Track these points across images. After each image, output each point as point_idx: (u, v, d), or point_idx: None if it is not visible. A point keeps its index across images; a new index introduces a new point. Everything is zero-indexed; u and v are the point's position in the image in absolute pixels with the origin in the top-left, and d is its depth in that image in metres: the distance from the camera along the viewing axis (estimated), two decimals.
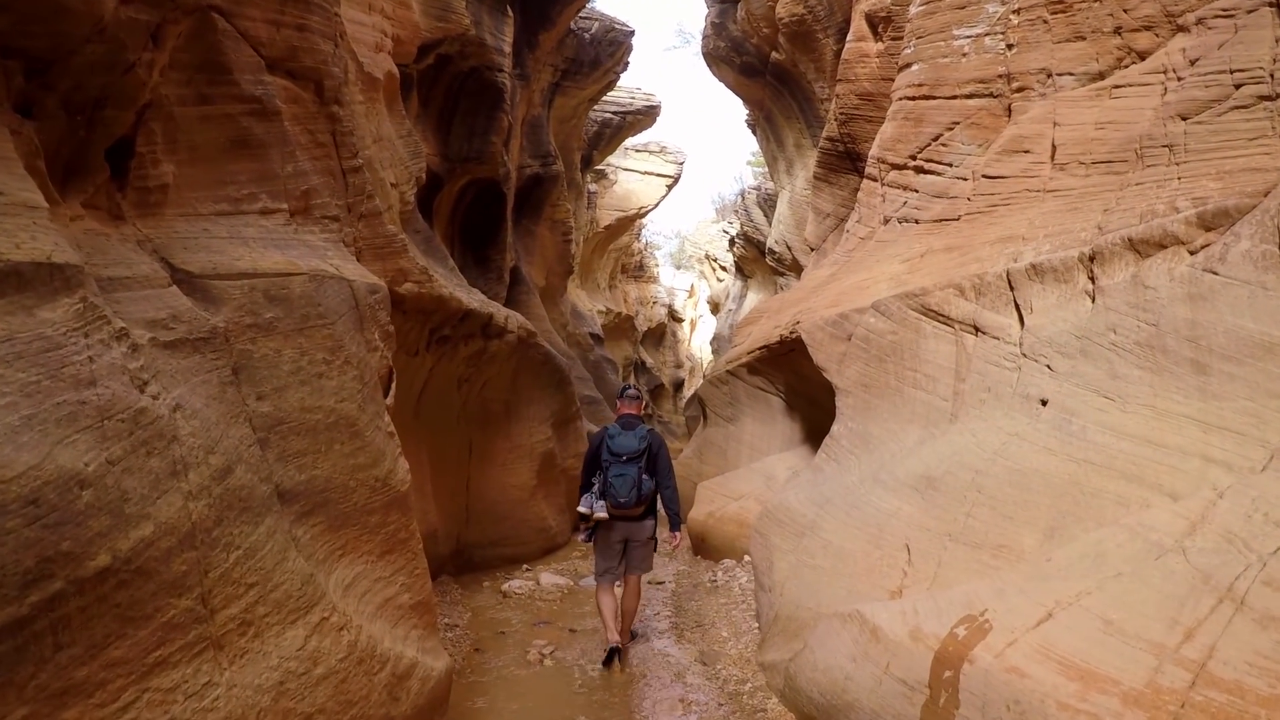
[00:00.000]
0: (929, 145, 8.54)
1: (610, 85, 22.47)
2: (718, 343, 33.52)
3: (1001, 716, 3.44)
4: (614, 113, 25.92)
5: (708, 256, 43.29)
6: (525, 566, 10.60)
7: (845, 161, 12.62)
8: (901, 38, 9.55)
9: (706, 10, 20.89)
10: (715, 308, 41.21)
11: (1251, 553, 3.42)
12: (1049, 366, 5.32)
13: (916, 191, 8.48)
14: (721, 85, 21.60)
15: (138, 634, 2.66)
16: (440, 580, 9.24)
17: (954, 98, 8.38)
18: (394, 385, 5.45)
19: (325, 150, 5.83)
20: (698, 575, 9.94)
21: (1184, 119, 5.66)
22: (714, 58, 20.47)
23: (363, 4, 8.34)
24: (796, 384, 10.56)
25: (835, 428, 7.25)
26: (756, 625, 7.33)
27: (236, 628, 3.09)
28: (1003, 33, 8.04)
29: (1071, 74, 7.30)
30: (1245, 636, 3.14)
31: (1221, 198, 4.92)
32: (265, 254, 4.30)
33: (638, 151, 32.64)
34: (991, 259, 6.37)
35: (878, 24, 11.01)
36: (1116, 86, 6.70)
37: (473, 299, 9.19)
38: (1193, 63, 5.92)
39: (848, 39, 11.71)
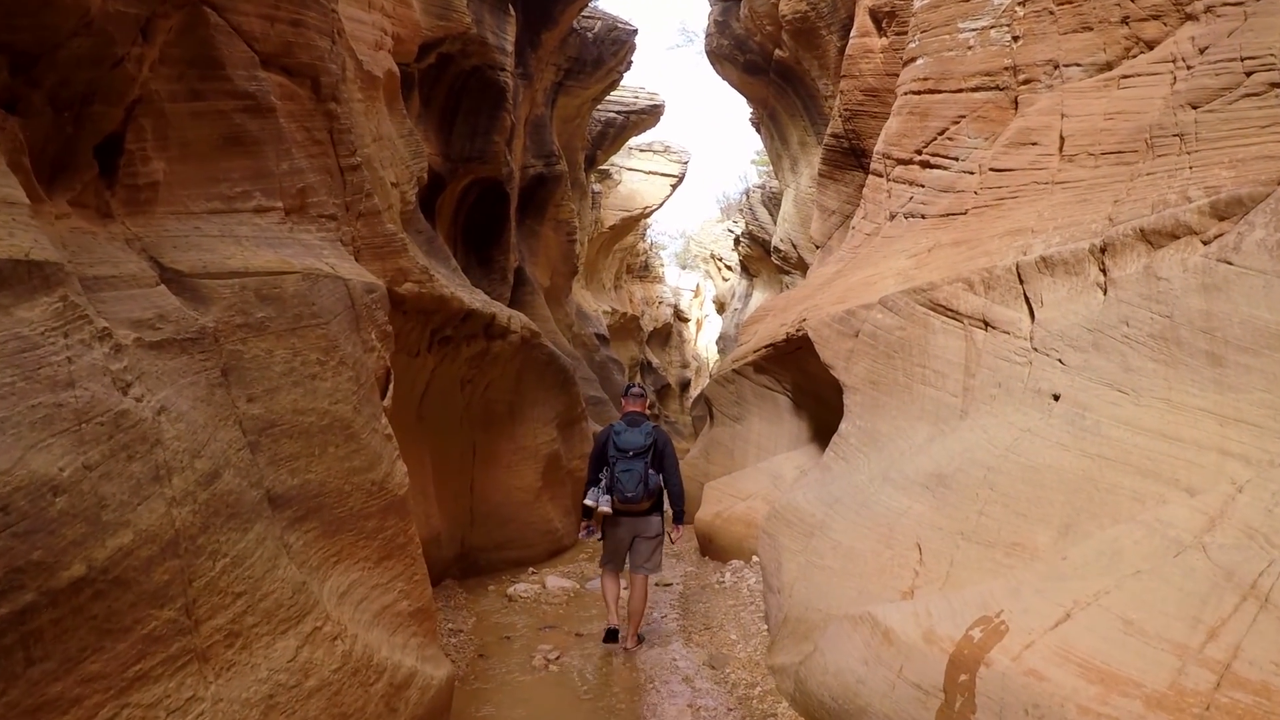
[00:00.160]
0: (935, 140, 8.44)
1: (613, 84, 22.39)
2: (724, 342, 33.43)
3: None
4: (617, 112, 25.84)
5: (713, 256, 43.17)
6: (531, 569, 10.51)
7: (850, 158, 12.54)
8: (906, 32, 9.46)
9: (709, 8, 20.80)
10: (721, 307, 41.11)
11: (1274, 548, 3.31)
12: (1061, 360, 5.21)
13: (923, 186, 8.38)
14: (725, 84, 21.49)
15: (116, 647, 2.54)
16: (444, 584, 9.15)
17: (960, 91, 8.28)
18: (392, 386, 5.34)
19: (322, 148, 5.74)
20: (705, 576, 9.84)
21: (1195, 107, 5.55)
22: (717, 56, 20.39)
23: (362, 2, 8.26)
24: (803, 382, 10.46)
25: (843, 426, 7.14)
26: (765, 627, 7.23)
27: (223, 639, 2.96)
28: (1008, 25, 7.95)
29: (1079, 65, 7.20)
30: (1271, 635, 3.03)
31: (1235, 186, 4.81)
32: (258, 252, 4.20)
33: (642, 151, 32.55)
34: (1000, 252, 6.26)
35: (882, 19, 10.92)
36: (1125, 77, 6.60)
37: (475, 299, 9.10)
38: (1202, 51, 5.82)
39: (851, 34, 11.63)
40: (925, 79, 8.56)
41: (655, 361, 36.97)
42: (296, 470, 3.85)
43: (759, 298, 28.40)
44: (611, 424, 7.59)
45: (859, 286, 8.00)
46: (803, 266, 18.20)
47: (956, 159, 8.12)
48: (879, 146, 9.26)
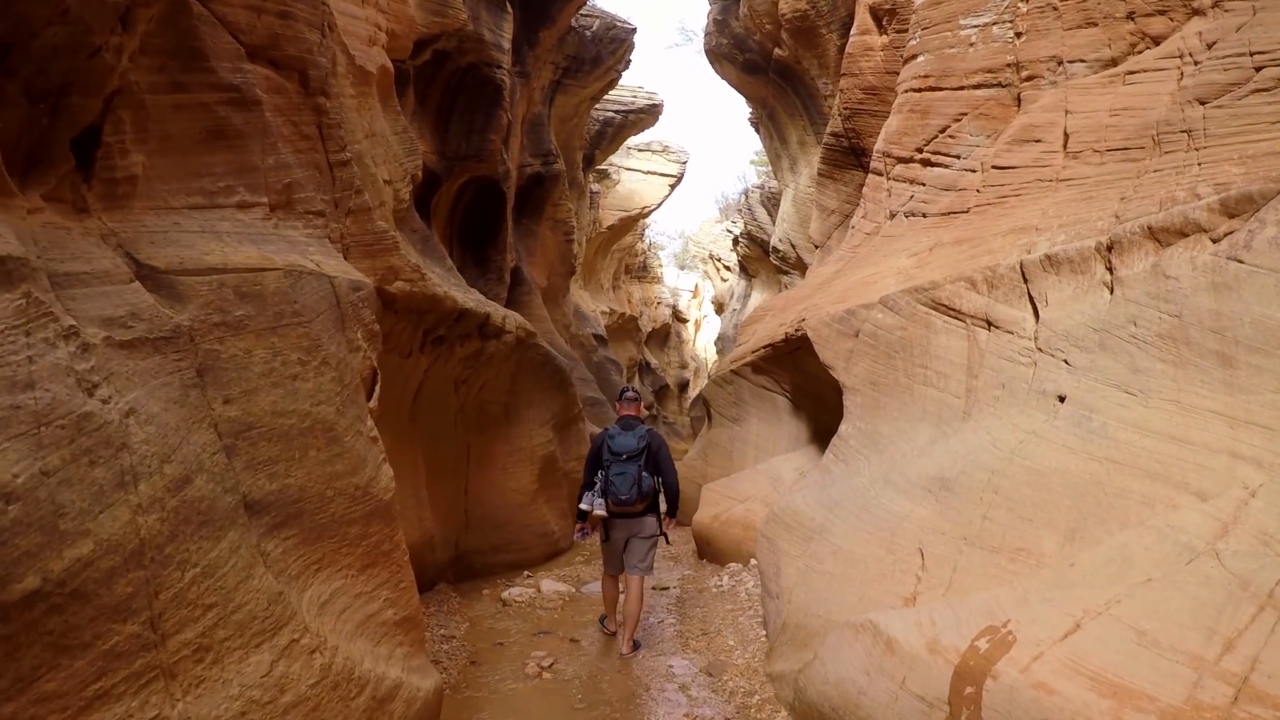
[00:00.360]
0: (936, 137, 8.34)
1: (612, 83, 22.29)
2: (722, 343, 33.32)
3: None
4: (616, 111, 25.72)
5: (711, 256, 43.08)
6: (526, 573, 10.37)
7: (850, 157, 12.45)
8: (906, 30, 9.36)
9: (708, 7, 20.70)
10: (719, 308, 41.01)
11: None
12: (1066, 361, 5.09)
13: (923, 185, 8.27)
14: (724, 83, 21.41)
15: (74, 664, 2.40)
16: (438, 589, 9.02)
17: (961, 89, 8.18)
18: (379, 387, 5.18)
19: (310, 143, 5.62)
20: (703, 580, 9.71)
21: (1203, 103, 5.45)
22: (716, 55, 20.30)
23: None
24: (802, 383, 10.34)
25: (843, 427, 7.01)
26: (764, 633, 7.10)
27: (192, 654, 2.81)
28: (1011, 21, 7.85)
29: (1083, 61, 7.10)
30: None
31: (1245, 183, 4.70)
32: (239, 249, 4.06)
33: (640, 151, 32.44)
34: (1004, 251, 6.13)
35: (882, 17, 10.83)
36: (1130, 73, 6.49)
37: (469, 298, 8.96)
38: (1210, 46, 5.73)
39: (851, 33, 11.54)
40: (926, 76, 8.45)
41: (654, 362, 36.89)
42: (275, 475, 3.69)
43: (758, 298, 28.29)
44: (606, 428, 7.73)
45: (859, 286, 7.88)
46: (801, 267, 18.10)
47: (958, 157, 8.01)
48: (879, 145, 9.16)
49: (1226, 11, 5.81)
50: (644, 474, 7.29)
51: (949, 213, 7.60)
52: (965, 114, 8.08)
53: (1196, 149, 5.30)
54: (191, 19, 4.52)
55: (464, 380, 9.72)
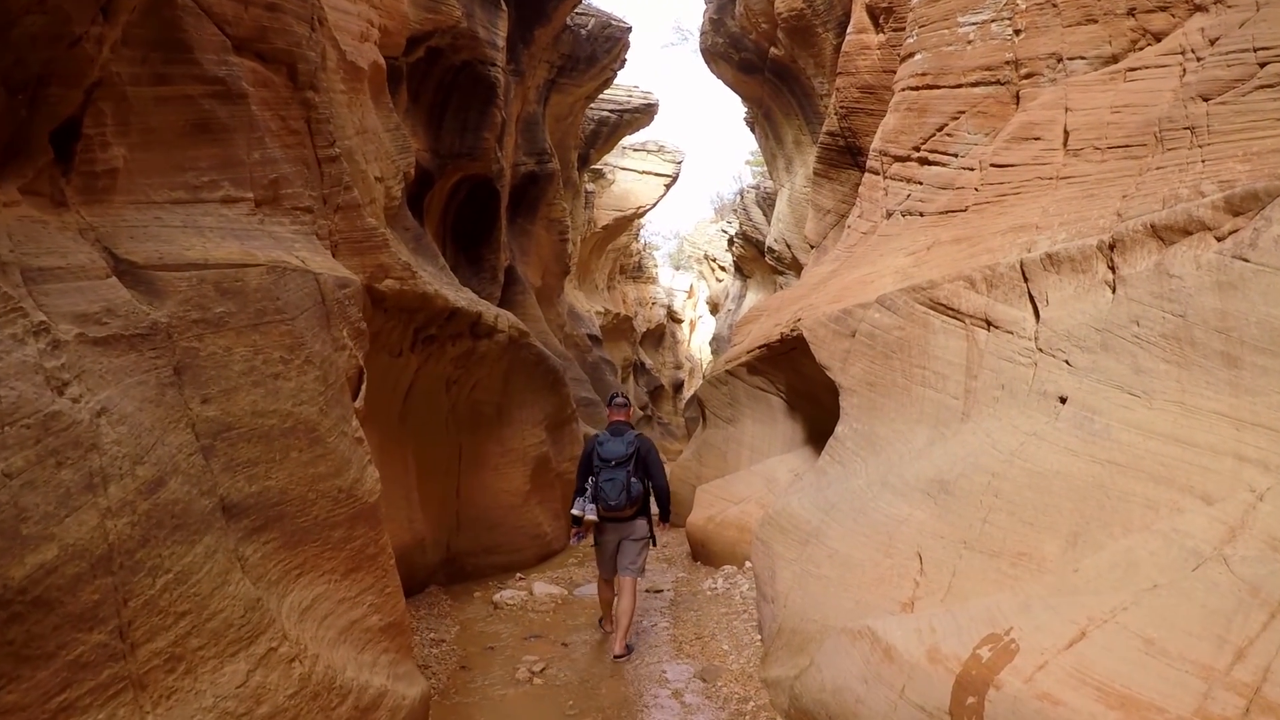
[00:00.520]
0: (933, 136, 8.26)
1: (607, 82, 22.18)
2: (717, 343, 33.24)
3: None
4: (611, 111, 25.61)
5: (706, 257, 43.02)
6: (519, 575, 10.26)
7: (846, 156, 12.37)
8: (903, 28, 9.29)
9: (704, 6, 20.62)
10: (714, 308, 40.94)
11: None
12: (1068, 361, 5.00)
13: (921, 184, 8.19)
14: (720, 83, 21.34)
15: (36, 676, 2.28)
16: (428, 591, 8.92)
17: (959, 86, 8.10)
18: (364, 387, 5.06)
19: (298, 138, 5.51)
20: (697, 582, 9.60)
21: (1206, 100, 5.37)
22: (712, 54, 20.21)
23: None
24: (798, 383, 10.25)
25: (839, 428, 6.92)
26: (759, 637, 6.99)
27: (163, 664, 2.69)
28: (1009, 18, 7.78)
29: (1083, 58, 7.02)
30: None
31: (1250, 180, 4.63)
32: (221, 244, 3.95)
33: (635, 150, 32.34)
34: (1003, 249, 6.05)
35: (879, 15, 10.76)
36: (1131, 69, 6.41)
37: (460, 297, 8.85)
38: (1213, 42, 5.66)
39: (848, 31, 11.47)
40: (924, 74, 8.38)
41: (648, 362, 36.80)
42: (255, 477, 3.57)
43: (753, 299, 28.23)
44: (596, 434, 7.87)
45: (855, 285, 7.80)
46: (797, 267, 18.03)
47: (956, 155, 7.93)
48: (876, 144, 9.07)
49: (1229, 7, 5.74)
50: (633, 480, 7.40)
51: (947, 211, 7.52)
52: (963, 112, 8.00)
53: (1200, 146, 5.23)
54: (175, 9, 4.41)
55: (455, 380, 9.61)
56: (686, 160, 34.32)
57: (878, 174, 9.03)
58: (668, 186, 32.61)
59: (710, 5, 20.15)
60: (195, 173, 4.39)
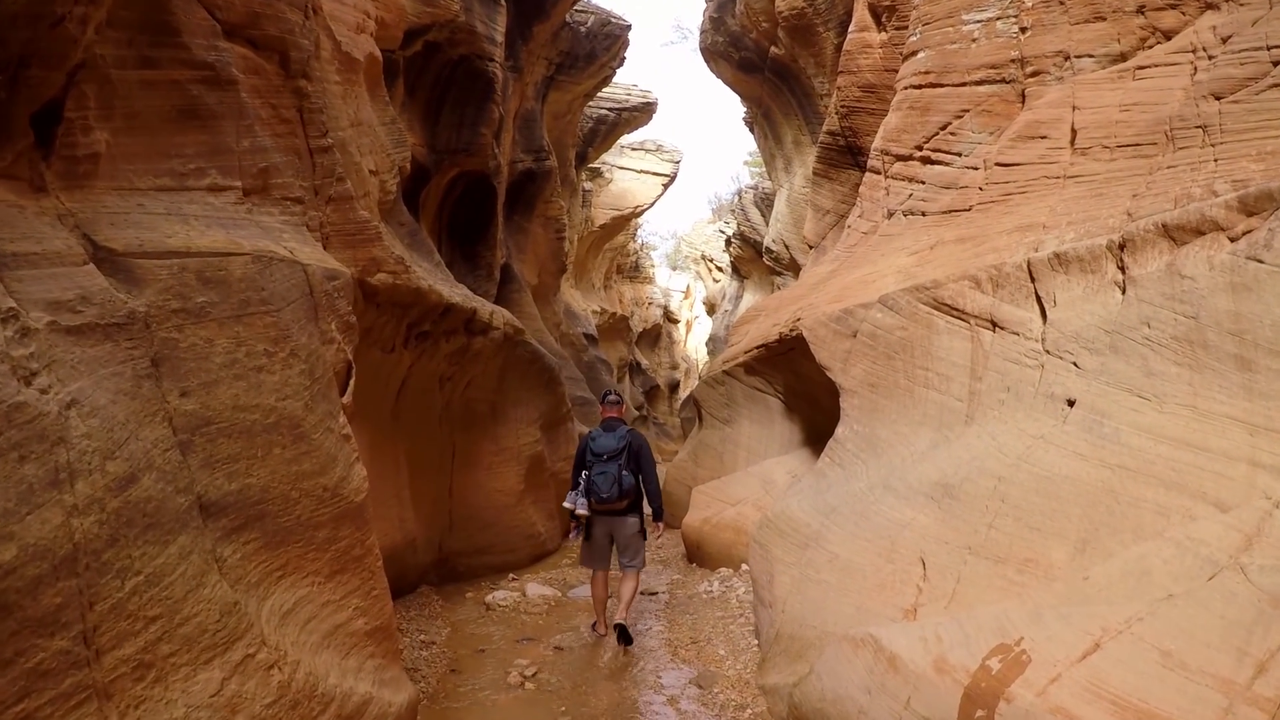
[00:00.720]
0: (936, 134, 8.15)
1: (606, 80, 22.06)
2: (714, 344, 33.13)
3: None
4: (609, 109, 25.48)
5: (704, 257, 42.92)
6: (512, 575, 10.13)
7: (846, 156, 12.27)
8: (906, 27, 9.19)
9: (704, 5, 20.50)
10: (711, 309, 40.83)
11: None
12: (1075, 364, 4.89)
13: (923, 183, 8.08)
14: (719, 83, 21.25)
15: None
16: (420, 591, 8.78)
17: (963, 85, 8.00)
18: (353, 382, 4.91)
19: (290, 127, 5.37)
20: (692, 585, 9.46)
21: (1218, 98, 5.27)
22: (712, 53, 20.10)
23: None
24: (796, 384, 10.13)
25: (840, 430, 6.79)
26: (756, 642, 6.86)
27: (131, 671, 2.53)
28: (1015, 16, 7.68)
29: (1091, 56, 6.92)
30: None
31: (1264, 180, 4.51)
32: (205, 232, 3.80)
33: (633, 149, 32.21)
34: (1009, 249, 5.93)
35: (881, 13, 10.66)
36: (1141, 67, 6.31)
37: (455, 293, 8.72)
38: (1225, 40, 5.57)
39: (850, 29, 11.37)
40: (927, 73, 8.27)
41: (644, 363, 36.69)
42: (235, 474, 3.41)
43: (750, 299, 28.12)
44: (590, 431, 7.99)
45: (856, 285, 7.68)
46: (795, 268, 17.93)
47: (959, 154, 7.83)
48: (877, 143, 8.97)
49: (1242, 5, 5.65)
50: (624, 473, 7.51)
51: (950, 211, 7.41)
52: (967, 110, 7.89)
53: (1212, 145, 5.12)
54: None
55: (449, 377, 9.47)
56: (684, 160, 34.15)
57: (879, 173, 8.93)
58: (665, 186, 32.48)
59: (711, 4, 20.03)
60: (181, 160, 4.25)
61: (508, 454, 10.73)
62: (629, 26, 20.99)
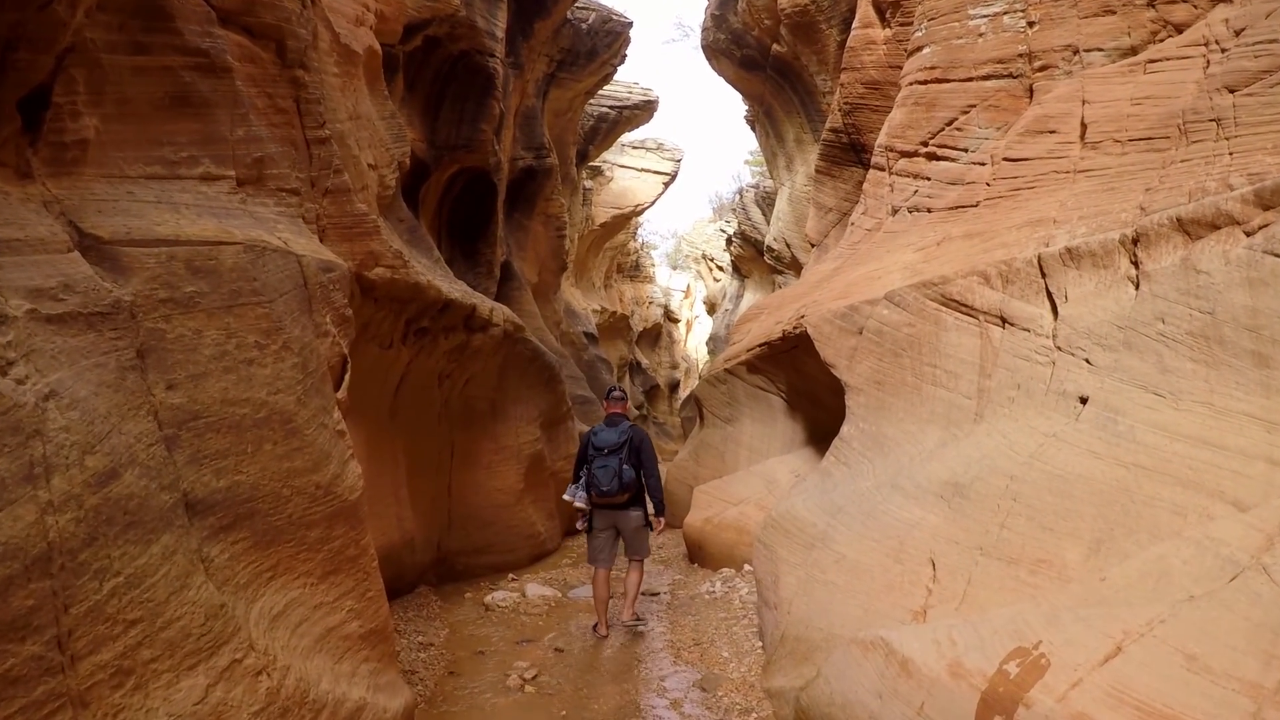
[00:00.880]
0: (942, 130, 8.06)
1: (607, 78, 21.96)
2: (714, 343, 33.04)
3: None
4: (610, 107, 25.37)
5: (704, 256, 42.82)
6: (511, 575, 10.01)
7: (849, 154, 12.18)
8: (910, 23, 9.10)
9: (706, 2, 20.40)
10: (712, 308, 40.73)
11: None
12: (1088, 360, 4.78)
13: (929, 179, 7.99)
14: (720, 81, 21.14)
15: None
16: (418, 592, 8.67)
17: (970, 80, 7.91)
18: (348, 377, 4.77)
19: (286, 117, 5.26)
20: (694, 586, 9.35)
21: (1232, 91, 5.17)
22: (714, 51, 20.00)
23: None
24: (799, 383, 10.02)
25: (845, 429, 6.69)
26: (760, 644, 6.74)
27: (109, 678, 2.41)
28: (1022, 10, 7.60)
29: (1100, 50, 6.83)
30: None
31: None
32: (196, 221, 3.68)
33: (634, 148, 32.10)
34: (1019, 244, 5.82)
35: (885, 9, 10.57)
36: (1152, 61, 6.22)
37: (454, 289, 8.61)
38: (1238, 33, 5.47)
39: (854, 26, 11.29)
40: (932, 68, 8.17)
41: (644, 362, 36.59)
42: (223, 470, 3.29)
43: (750, 299, 28.01)
44: (593, 427, 8.07)
45: (862, 282, 7.57)
46: (796, 267, 17.83)
47: (966, 150, 7.73)
48: (881, 139, 8.87)
49: None
50: (625, 466, 7.56)
51: (957, 207, 7.31)
52: (974, 106, 7.80)
53: (1227, 138, 5.02)
54: None
55: (448, 374, 9.36)
56: (685, 159, 34.04)
57: (883, 170, 8.83)
58: (666, 185, 32.38)
59: (712, 1, 19.93)
60: (173, 148, 4.14)
61: (507, 452, 10.62)
62: (630, 24, 20.88)
